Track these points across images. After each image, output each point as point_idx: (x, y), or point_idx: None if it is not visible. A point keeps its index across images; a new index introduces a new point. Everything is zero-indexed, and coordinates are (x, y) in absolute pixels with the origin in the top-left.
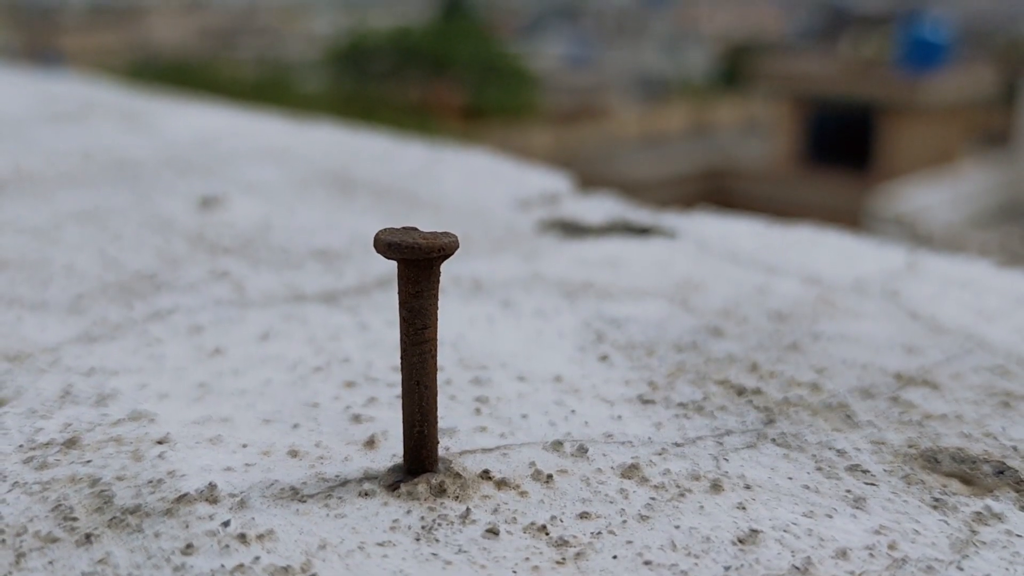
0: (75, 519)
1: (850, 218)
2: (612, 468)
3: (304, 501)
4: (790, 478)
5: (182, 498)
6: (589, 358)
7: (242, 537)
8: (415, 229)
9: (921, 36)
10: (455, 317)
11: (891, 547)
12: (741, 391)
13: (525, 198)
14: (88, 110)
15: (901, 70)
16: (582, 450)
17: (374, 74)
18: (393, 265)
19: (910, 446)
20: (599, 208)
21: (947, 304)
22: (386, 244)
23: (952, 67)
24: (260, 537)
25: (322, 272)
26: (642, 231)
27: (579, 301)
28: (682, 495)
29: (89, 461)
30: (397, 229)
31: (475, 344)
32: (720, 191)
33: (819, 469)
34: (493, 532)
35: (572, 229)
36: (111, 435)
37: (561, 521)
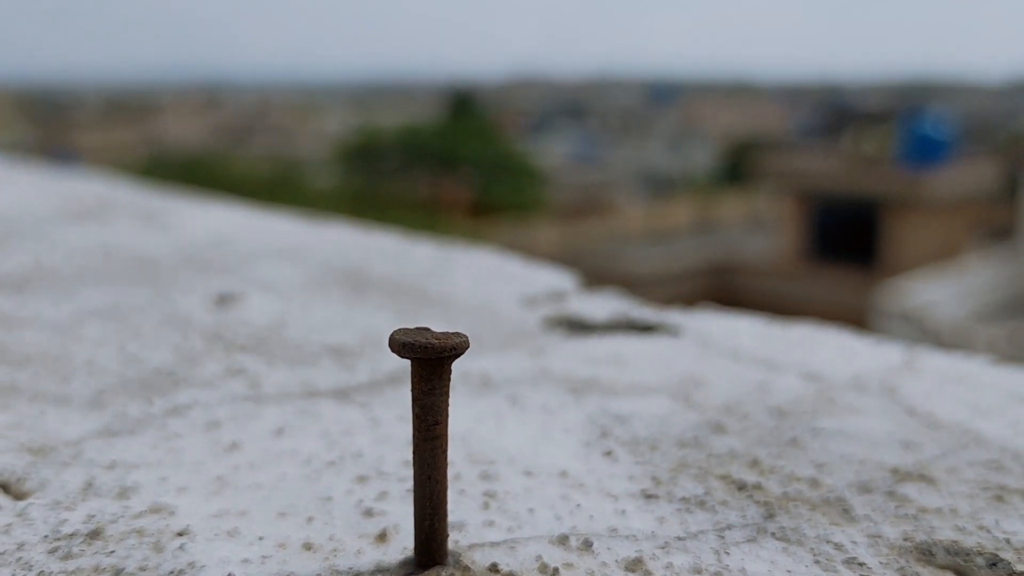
0: None
1: (856, 313)
2: (616, 562)
3: None
4: (789, 571)
5: None
6: (594, 453)
7: None
8: (428, 329)
9: (923, 133)
10: (464, 413)
11: None
12: (742, 486)
13: (532, 296)
14: (106, 208)
15: (904, 166)
16: (587, 544)
17: (384, 171)
18: (404, 362)
19: (906, 539)
20: (604, 306)
21: (944, 400)
22: (401, 344)
23: (954, 163)
24: None
25: (336, 369)
26: (646, 328)
27: (584, 397)
28: None
29: (112, 552)
30: (411, 329)
31: (483, 439)
32: (726, 287)
33: (817, 563)
34: None
35: (578, 326)
36: (133, 527)
37: None
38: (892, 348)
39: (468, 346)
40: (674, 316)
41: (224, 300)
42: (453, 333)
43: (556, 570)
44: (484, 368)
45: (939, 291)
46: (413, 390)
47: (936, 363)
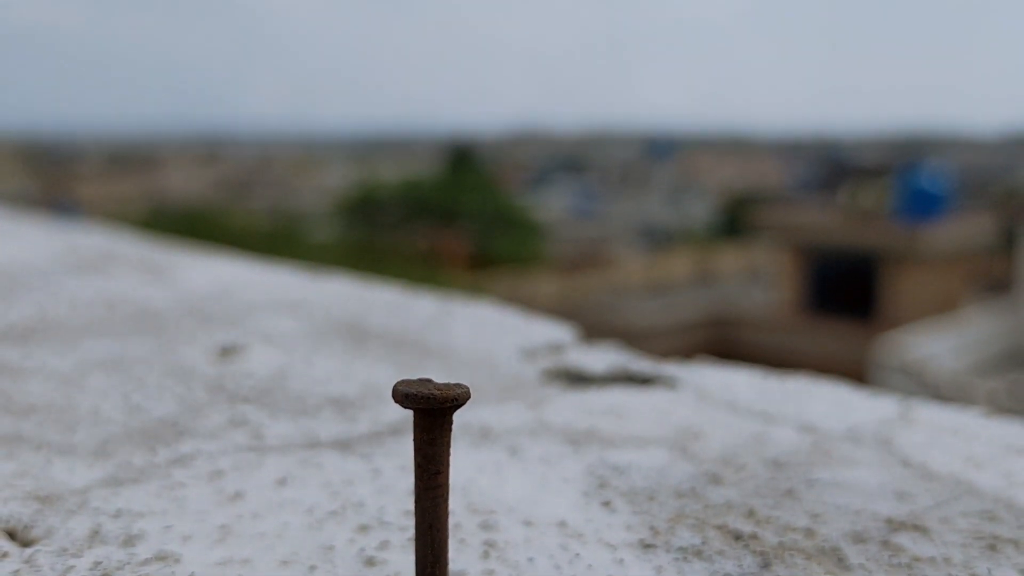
0: None
1: (855, 367)
2: None
3: None
4: None
5: None
6: (593, 504)
7: None
8: (430, 380)
9: (920, 187)
10: (465, 463)
11: None
12: (738, 536)
13: (531, 348)
14: (110, 261)
15: (901, 220)
16: None
17: (384, 224)
18: (404, 414)
19: None
20: (603, 358)
21: (938, 452)
22: (403, 395)
23: (951, 216)
24: None
25: (337, 420)
26: (644, 381)
27: (583, 448)
28: None
29: None
30: (413, 380)
31: (484, 489)
32: (724, 339)
33: None
34: None
35: (577, 379)
36: (139, 574)
37: None
38: (887, 400)
39: (469, 397)
40: (672, 369)
41: (227, 352)
42: (455, 384)
43: None
44: (484, 419)
45: (938, 344)
46: (415, 440)
47: (930, 415)
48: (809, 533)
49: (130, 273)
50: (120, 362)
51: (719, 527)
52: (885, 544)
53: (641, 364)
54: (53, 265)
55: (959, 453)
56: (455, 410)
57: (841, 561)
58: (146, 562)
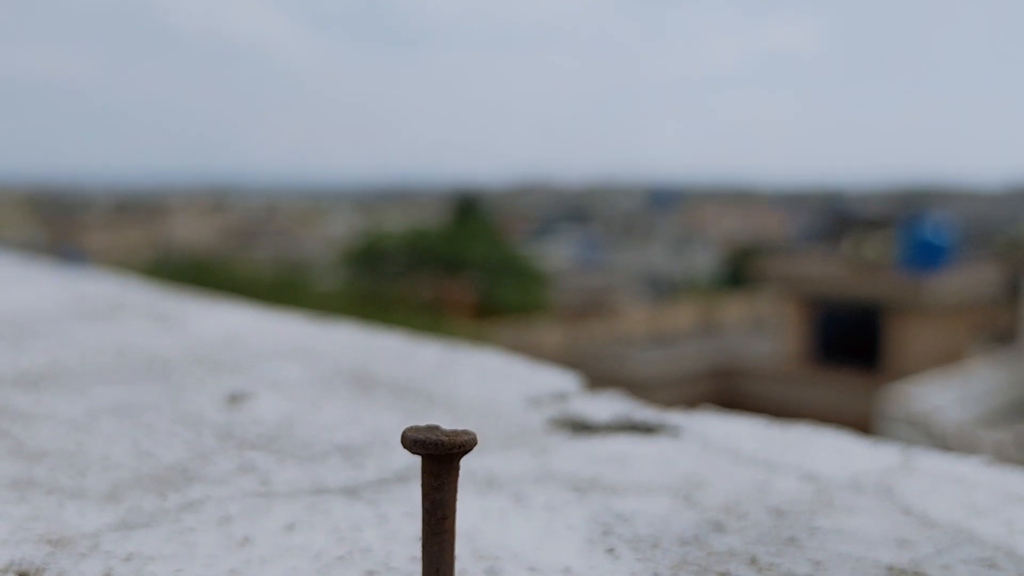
0: None
1: (861, 418)
2: None
3: None
4: None
5: None
6: (597, 550)
7: None
8: (438, 427)
9: (923, 238)
10: (470, 509)
11: None
12: None
13: (536, 397)
14: (119, 308)
15: (905, 271)
16: None
17: (389, 273)
18: (409, 461)
19: None
20: (607, 407)
21: (939, 500)
22: (412, 441)
23: (955, 267)
24: None
25: (344, 466)
26: (648, 429)
27: (587, 496)
28: None
29: None
30: (421, 427)
31: (489, 536)
32: (729, 390)
33: None
34: None
35: (581, 427)
36: None
37: None
38: (888, 449)
39: (476, 443)
40: (675, 417)
41: (235, 399)
42: (462, 431)
43: None
44: (489, 466)
45: (944, 395)
46: (423, 485)
47: (932, 464)
48: None
49: (139, 321)
50: (130, 408)
51: (722, 574)
52: None
53: (645, 413)
54: (63, 312)
55: (960, 501)
56: (462, 456)
57: None
58: None
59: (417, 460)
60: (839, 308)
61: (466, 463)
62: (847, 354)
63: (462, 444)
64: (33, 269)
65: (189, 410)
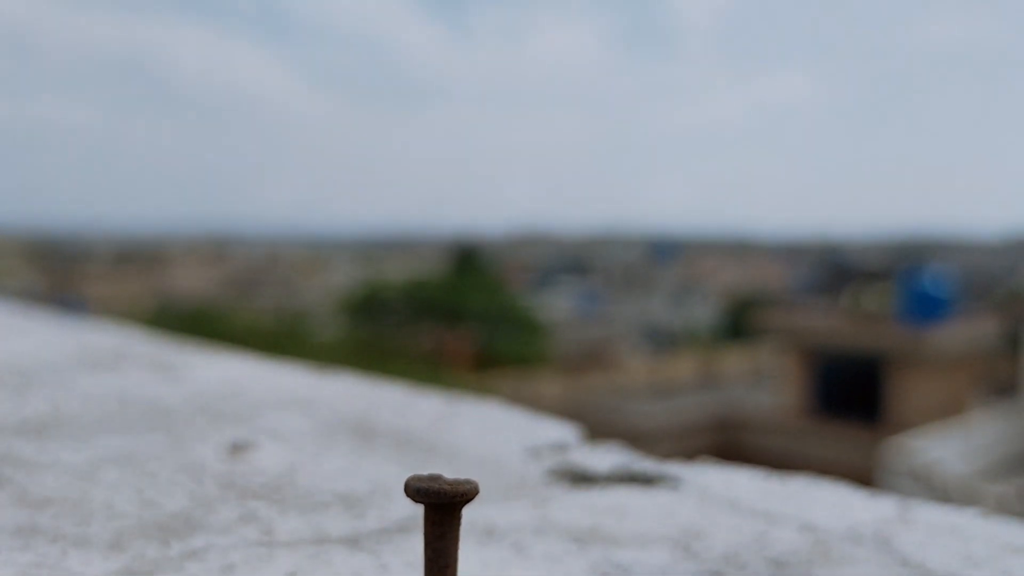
0: None
1: (862, 470)
2: None
3: None
4: None
5: None
6: None
7: None
8: (440, 476)
9: (923, 290)
10: (471, 559)
11: None
12: None
13: (536, 448)
14: (121, 358)
15: (905, 323)
16: None
17: (389, 323)
18: (410, 511)
19: None
20: (606, 458)
21: (936, 551)
22: (415, 490)
23: (955, 319)
24: None
25: (346, 516)
26: (647, 480)
27: (587, 546)
28: None
29: None
30: (424, 476)
31: None
32: (730, 442)
33: None
34: None
35: (580, 478)
36: None
37: None
38: (886, 500)
39: (477, 492)
40: (674, 469)
41: (237, 449)
42: (463, 480)
43: None
44: (490, 517)
45: (945, 448)
46: (426, 534)
47: (929, 515)
48: None
49: (141, 370)
50: (133, 457)
51: None
52: None
53: (644, 464)
54: (66, 362)
55: (957, 552)
56: (464, 505)
57: None
58: None
59: (417, 510)
60: (839, 360)
61: (466, 513)
62: (847, 406)
63: (464, 493)
64: (35, 318)
65: (192, 459)
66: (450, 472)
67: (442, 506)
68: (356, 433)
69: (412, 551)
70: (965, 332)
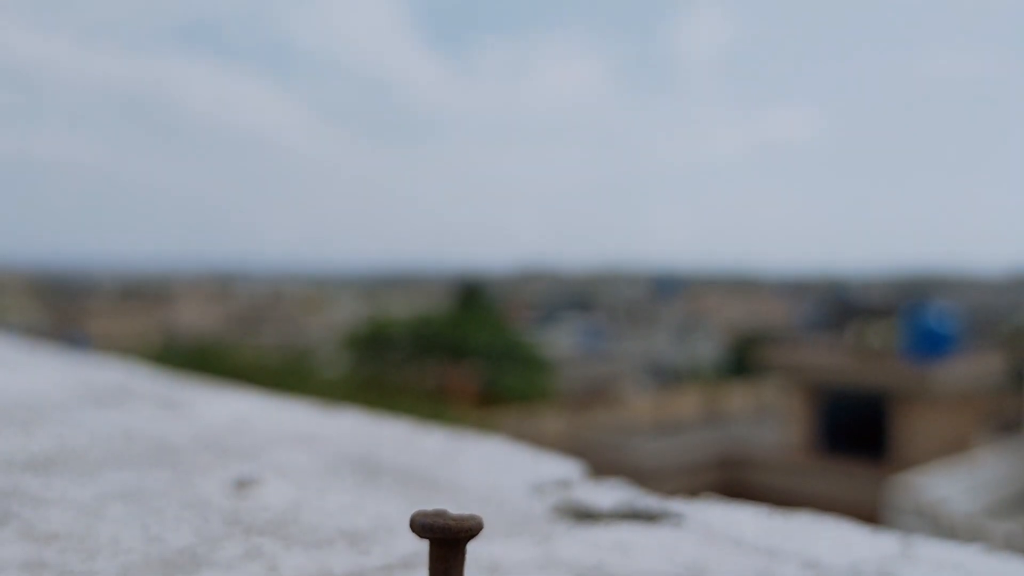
0: None
1: (867, 508)
2: None
3: None
4: None
5: None
6: None
7: None
8: (445, 512)
9: (927, 326)
10: None
11: None
12: None
13: (539, 484)
14: (126, 394)
15: (909, 360)
16: None
17: (393, 360)
18: (415, 547)
19: None
20: (610, 495)
21: None
22: (420, 525)
23: (960, 356)
24: None
25: (350, 552)
26: (650, 517)
27: None
28: None
29: None
30: (429, 512)
31: None
32: (734, 480)
33: None
34: None
35: (584, 515)
36: None
37: None
38: (888, 537)
39: (482, 528)
40: (678, 505)
41: (242, 485)
42: (468, 516)
43: None
44: (493, 554)
45: (951, 486)
46: (431, 570)
47: (931, 552)
48: None
49: (147, 407)
50: (139, 493)
51: None
52: None
53: (647, 501)
54: (71, 398)
55: None
56: (469, 540)
57: None
58: None
59: (422, 546)
60: (844, 397)
61: (470, 549)
62: (852, 443)
63: (469, 529)
64: (41, 354)
65: (197, 495)
66: (454, 508)
67: (447, 541)
68: (360, 469)
69: None
70: (970, 369)
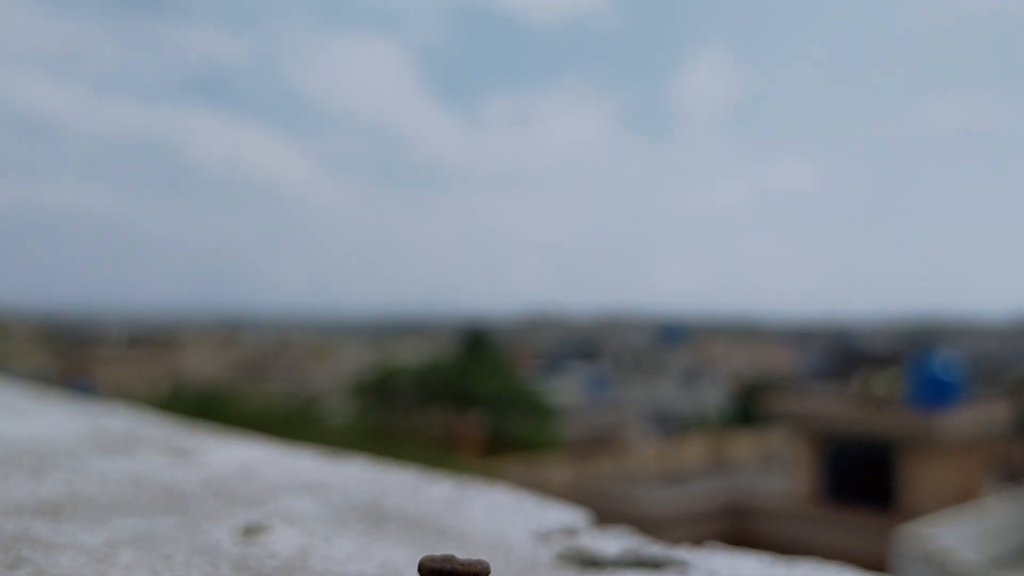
0: None
1: (875, 557)
2: None
3: None
4: None
5: None
6: None
7: None
8: (453, 557)
9: (933, 374)
10: None
11: None
12: None
13: (545, 532)
14: (135, 441)
15: (915, 408)
16: None
17: (399, 407)
18: None
19: None
20: (615, 543)
21: None
22: (429, 570)
23: (966, 404)
24: None
25: None
26: (655, 565)
27: None
28: None
29: None
30: (437, 557)
31: None
32: (740, 529)
33: None
34: None
35: (589, 562)
36: None
37: None
38: None
39: (489, 573)
40: (682, 553)
41: (250, 531)
42: (475, 561)
43: None
44: None
45: (958, 535)
46: None
47: None
48: None
49: (156, 453)
50: (148, 539)
51: None
52: None
53: (653, 549)
54: (81, 444)
55: None
56: None
57: None
58: None
59: None
60: (850, 445)
61: None
62: (859, 492)
63: (476, 573)
64: (49, 400)
65: (206, 542)
66: (460, 555)
67: None
68: (367, 517)
69: None
70: (976, 417)
